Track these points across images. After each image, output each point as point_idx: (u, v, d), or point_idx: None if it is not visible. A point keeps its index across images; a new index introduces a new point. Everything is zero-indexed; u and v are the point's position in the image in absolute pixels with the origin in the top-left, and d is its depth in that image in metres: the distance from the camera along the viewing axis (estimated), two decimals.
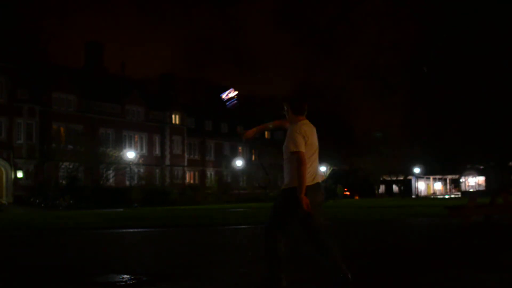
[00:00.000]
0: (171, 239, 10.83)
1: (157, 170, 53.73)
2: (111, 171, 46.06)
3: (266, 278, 4.46)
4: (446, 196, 66.05)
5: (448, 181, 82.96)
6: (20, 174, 41.31)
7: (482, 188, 68.46)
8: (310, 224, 4.42)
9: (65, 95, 45.41)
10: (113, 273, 5.95)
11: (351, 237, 10.25)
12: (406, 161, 62.79)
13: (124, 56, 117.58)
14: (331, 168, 69.36)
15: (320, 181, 4.52)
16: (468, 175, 73.77)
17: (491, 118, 19.88)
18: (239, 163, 59.05)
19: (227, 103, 5.06)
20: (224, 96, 5.05)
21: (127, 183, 47.31)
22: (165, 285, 5.16)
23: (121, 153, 47.28)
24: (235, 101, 5.05)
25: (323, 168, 72.08)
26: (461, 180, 75.88)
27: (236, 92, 5.01)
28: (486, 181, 66.49)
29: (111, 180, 46.45)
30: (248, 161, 63.46)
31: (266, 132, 71.27)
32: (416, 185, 75.28)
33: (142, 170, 50.74)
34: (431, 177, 78.75)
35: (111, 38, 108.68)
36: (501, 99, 17.72)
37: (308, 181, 4.36)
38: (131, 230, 13.16)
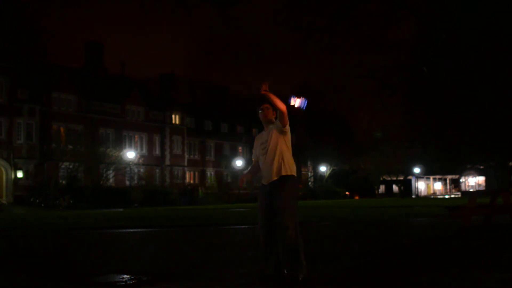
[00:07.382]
0: (171, 239, 10.83)
1: (157, 170, 53.74)
2: (111, 171, 46.05)
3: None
4: (446, 196, 66.06)
5: (448, 181, 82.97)
6: (20, 174, 41.31)
7: (482, 188, 68.50)
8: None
9: (65, 95, 45.41)
10: (113, 273, 5.95)
11: (351, 237, 10.25)
12: (406, 161, 62.76)
13: (124, 56, 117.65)
14: (331, 168, 69.30)
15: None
16: (468, 175, 73.79)
17: (491, 118, 19.87)
18: (239, 163, 59.04)
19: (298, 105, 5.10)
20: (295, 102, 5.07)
21: (127, 183, 47.32)
22: (165, 285, 5.15)
23: (121, 153, 47.27)
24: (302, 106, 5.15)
25: (323, 168, 72.02)
26: (461, 180, 75.90)
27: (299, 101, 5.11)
28: (486, 181, 66.54)
29: (111, 180, 46.44)
30: (248, 161, 63.47)
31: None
32: (416, 185, 75.29)
33: (142, 170, 50.74)
34: (431, 177, 78.76)
35: (111, 38, 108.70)
36: (501, 98, 17.72)
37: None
38: (131, 230, 13.16)
